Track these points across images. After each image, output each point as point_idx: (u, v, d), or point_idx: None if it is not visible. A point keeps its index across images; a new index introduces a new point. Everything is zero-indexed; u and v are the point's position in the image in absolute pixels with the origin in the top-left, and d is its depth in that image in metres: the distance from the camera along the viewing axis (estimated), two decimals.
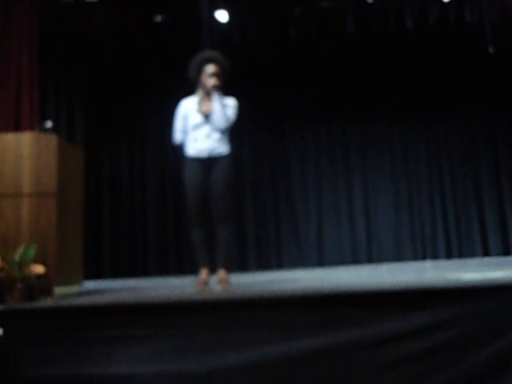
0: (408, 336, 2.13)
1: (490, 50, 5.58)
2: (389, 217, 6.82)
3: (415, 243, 6.76)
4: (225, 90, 3.30)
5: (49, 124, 3.45)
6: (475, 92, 6.79)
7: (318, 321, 2.16)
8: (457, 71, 6.77)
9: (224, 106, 3.20)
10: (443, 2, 5.72)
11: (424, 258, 6.66)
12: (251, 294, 2.62)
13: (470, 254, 6.62)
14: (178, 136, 3.31)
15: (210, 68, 3.22)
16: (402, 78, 6.83)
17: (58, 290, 3.16)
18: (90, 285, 4.31)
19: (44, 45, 4.92)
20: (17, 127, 4.19)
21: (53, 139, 3.24)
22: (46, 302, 2.81)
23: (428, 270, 4.26)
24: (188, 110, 3.27)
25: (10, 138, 3.22)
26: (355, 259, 6.68)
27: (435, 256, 6.69)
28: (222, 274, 3.15)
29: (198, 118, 3.21)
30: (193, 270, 3.40)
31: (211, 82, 3.18)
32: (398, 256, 6.62)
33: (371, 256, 6.72)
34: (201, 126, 3.20)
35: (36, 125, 3.86)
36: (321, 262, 6.69)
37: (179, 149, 3.35)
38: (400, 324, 2.16)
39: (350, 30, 5.80)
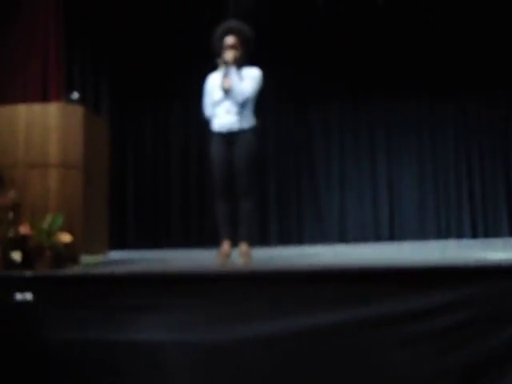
0: (428, 314, 2.12)
1: None
2: (413, 194, 6.73)
3: (439, 221, 6.67)
4: (248, 59, 3.25)
5: (75, 95, 3.48)
6: (510, 70, 6.51)
7: (339, 296, 2.17)
8: (488, 48, 6.48)
9: (241, 79, 3.16)
10: None
11: (448, 236, 6.57)
12: (272, 267, 2.64)
13: (496, 233, 6.50)
14: (207, 110, 3.33)
15: (229, 40, 3.19)
16: (431, 55, 6.59)
17: (84, 259, 3.24)
18: (114, 255, 4.42)
19: (70, 15, 4.92)
20: (44, 97, 4.25)
21: (79, 110, 3.27)
22: (73, 270, 2.90)
23: (452, 249, 4.21)
24: (213, 85, 3.27)
25: (37, 108, 3.27)
26: (377, 236, 6.64)
27: (460, 235, 6.59)
28: (243, 247, 3.17)
29: (218, 93, 3.20)
30: (215, 243, 3.43)
31: (226, 56, 3.15)
32: (422, 234, 6.54)
33: (394, 233, 6.66)
34: (221, 101, 3.20)
35: (63, 96, 3.90)
36: (342, 238, 6.67)
37: (209, 122, 3.35)
38: (421, 302, 2.15)
39: (380, 3, 5.61)
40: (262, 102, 3.39)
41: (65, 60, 4.67)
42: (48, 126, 3.17)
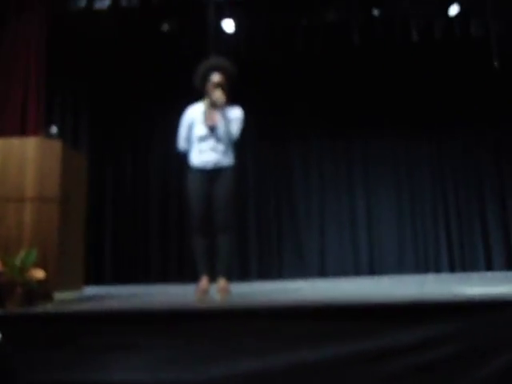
0: (410, 349, 2.11)
1: (496, 64, 5.59)
2: (391, 229, 6.80)
3: (418, 256, 6.73)
4: (230, 96, 3.29)
5: (54, 130, 3.48)
6: (480, 107, 6.79)
7: (319, 332, 2.14)
8: (462, 85, 6.78)
9: (229, 121, 3.19)
10: (449, 16, 5.75)
11: (426, 271, 6.62)
12: (251, 303, 2.60)
13: (473, 267, 6.58)
14: (181, 143, 3.32)
15: (215, 77, 3.20)
16: (407, 92, 6.84)
17: (58, 296, 3.14)
18: (91, 290, 4.30)
19: (52, 51, 4.96)
20: (22, 131, 4.22)
21: (57, 145, 3.24)
22: (46, 308, 2.80)
23: (431, 284, 4.23)
24: (193, 118, 3.25)
25: (15, 142, 3.23)
26: (357, 271, 6.65)
27: (438, 269, 6.65)
28: (222, 282, 3.14)
29: (203, 129, 3.21)
30: (193, 278, 3.38)
31: (216, 95, 3.15)
32: (400, 269, 6.59)
33: (373, 268, 6.69)
34: (206, 138, 3.20)
35: (41, 130, 3.88)
36: (322, 272, 6.66)
37: (182, 156, 3.35)
38: (402, 337, 2.14)
39: (356, 42, 5.83)
40: (243, 138, 3.42)
41: (45, 95, 4.67)
42: (25, 159, 3.13)
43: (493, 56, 5.57)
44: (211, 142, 3.19)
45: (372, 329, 2.13)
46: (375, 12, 5.60)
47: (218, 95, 3.14)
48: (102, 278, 6.40)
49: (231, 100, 3.28)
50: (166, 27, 5.94)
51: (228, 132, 3.17)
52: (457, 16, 5.74)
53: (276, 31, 5.98)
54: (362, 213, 6.88)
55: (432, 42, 5.97)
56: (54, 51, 5.05)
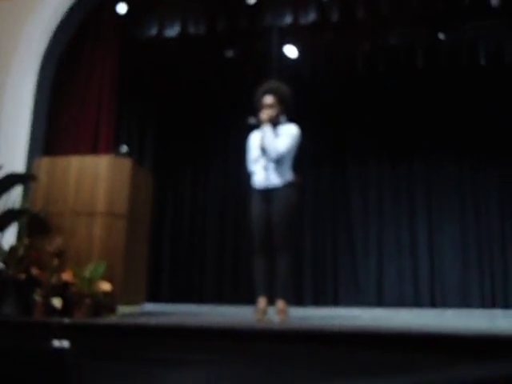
0: None
1: None
2: (455, 259, 6.47)
3: (483, 289, 6.34)
4: (288, 117, 3.34)
5: (124, 149, 3.64)
6: None
7: (385, 361, 2.06)
8: None
9: (276, 136, 3.24)
10: None
11: (493, 305, 6.23)
12: (312, 326, 2.56)
13: None
14: (248, 166, 3.41)
15: (266, 99, 3.29)
16: (474, 117, 6.58)
17: (121, 309, 3.25)
18: (148, 306, 4.41)
19: (123, 76, 5.25)
20: (94, 150, 4.47)
21: (127, 163, 3.41)
22: (111, 319, 2.90)
23: (499, 318, 3.99)
24: (253, 142, 3.38)
25: (89, 160, 3.43)
26: (417, 302, 6.36)
27: (506, 305, 6.24)
28: (280, 304, 3.11)
29: (256, 151, 3.30)
30: (247, 301, 3.39)
31: (262, 114, 3.25)
32: (465, 302, 6.23)
33: (435, 300, 6.37)
34: (258, 158, 3.28)
35: (111, 149, 4.09)
36: (380, 301, 6.44)
37: (248, 177, 3.41)
38: (469, 373, 2.02)
39: (420, 66, 5.73)
40: (301, 160, 3.43)
41: (115, 116, 4.94)
42: (97, 176, 3.31)
43: None
44: (262, 162, 3.25)
45: (434, 362, 2.03)
46: (441, 36, 5.49)
47: (264, 114, 3.23)
48: (159, 296, 6.54)
49: (290, 120, 3.35)
50: (230, 53, 6.13)
51: (275, 148, 3.20)
52: None
53: (338, 55, 6.00)
54: (423, 241, 6.61)
55: (501, 66, 5.75)
56: (125, 76, 5.34)
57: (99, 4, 5.03)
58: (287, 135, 3.27)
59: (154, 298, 6.16)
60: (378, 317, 3.99)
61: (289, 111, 3.38)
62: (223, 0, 5.21)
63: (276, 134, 3.25)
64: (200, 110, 7.02)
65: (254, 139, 3.37)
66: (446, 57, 5.67)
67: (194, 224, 7.11)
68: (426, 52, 5.70)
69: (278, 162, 3.23)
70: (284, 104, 3.33)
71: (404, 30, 5.52)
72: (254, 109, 3.38)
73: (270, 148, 3.21)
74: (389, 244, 6.67)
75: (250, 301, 3.22)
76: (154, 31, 5.35)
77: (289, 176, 3.29)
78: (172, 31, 5.30)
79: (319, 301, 6.49)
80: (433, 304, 6.32)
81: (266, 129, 3.23)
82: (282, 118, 3.36)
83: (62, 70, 4.82)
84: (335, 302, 6.51)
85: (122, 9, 5.14)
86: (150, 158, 6.67)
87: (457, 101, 6.56)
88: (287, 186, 3.25)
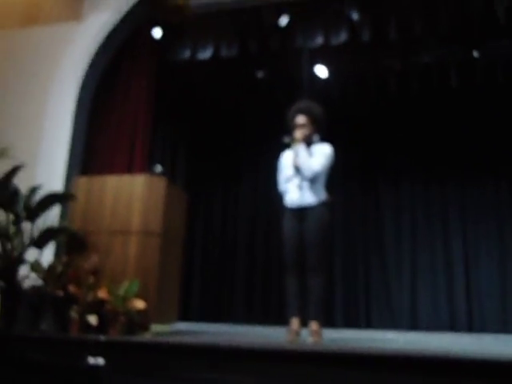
0: None
1: None
2: (493, 282, 6.23)
3: None
4: (321, 136, 3.36)
5: (158, 168, 3.71)
6: None
7: None
8: None
9: (310, 155, 3.24)
10: None
11: None
12: (349, 349, 2.50)
13: None
14: (280, 186, 3.43)
15: (299, 119, 3.32)
16: (510, 136, 6.42)
17: (154, 327, 3.27)
18: (179, 325, 4.41)
19: (158, 98, 5.39)
20: (129, 169, 4.57)
21: (162, 182, 3.47)
22: (144, 337, 2.92)
23: None
24: (286, 162, 3.39)
25: (125, 179, 3.51)
26: (453, 326, 6.16)
27: None
28: (314, 325, 3.07)
29: (289, 170, 3.31)
30: (278, 321, 3.35)
31: (296, 134, 3.28)
32: (504, 327, 5.99)
33: (472, 324, 6.15)
34: (292, 177, 3.29)
35: (146, 168, 4.18)
36: (414, 325, 6.26)
37: (283, 197, 3.42)
38: None
39: (453, 84, 5.66)
40: (332, 181, 3.42)
41: (150, 136, 5.06)
42: (133, 195, 3.37)
43: None
44: (296, 181, 3.25)
45: None
46: (475, 53, 5.42)
47: (297, 133, 3.26)
48: (188, 314, 6.55)
49: (322, 140, 3.37)
50: (261, 74, 6.21)
51: (310, 167, 3.20)
52: None
53: (369, 75, 6.00)
54: (459, 263, 6.41)
55: None
56: (159, 97, 5.48)
57: (135, 29, 5.21)
58: (321, 154, 3.28)
59: (184, 316, 6.19)
60: (414, 340, 3.88)
61: (321, 131, 3.40)
62: (255, 23, 5.31)
63: (309, 154, 3.26)
64: (231, 129, 7.12)
65: (286, 158, 3.39)
66: (481, 75, 5.59)
67: (225, 242, 7.13)
68: (459, 70, 5.63)
69: (312, 180, 3.24)
70: (316, 124, 3.36)
71: (437, 48, 5.48)
72: (286, 129, 3.42)
73: (304, 167, 3.22)
74: (422, 266, 6.50)
75: (280, 321, 3.19)
76: (187, 54, 5.49)
77: (322, 195, 3.28)
78: (205, 54, 5.42)
79: (351, 323, 6.37)
80: (470, 329, 6.10)
81: (301, 148, 3.25)
82: (315, 137, 3.38)
83: (99, 93, 4.99)
84: (367, 324, 6.38)
85: (157, 33, 5.31)
86: (181, 175, 6.77)
87: (492, 119, 6.42)
88: (321, 205, 3.24)
